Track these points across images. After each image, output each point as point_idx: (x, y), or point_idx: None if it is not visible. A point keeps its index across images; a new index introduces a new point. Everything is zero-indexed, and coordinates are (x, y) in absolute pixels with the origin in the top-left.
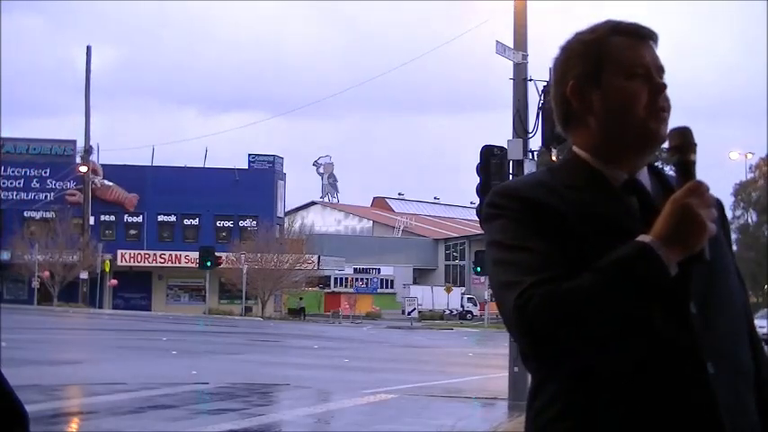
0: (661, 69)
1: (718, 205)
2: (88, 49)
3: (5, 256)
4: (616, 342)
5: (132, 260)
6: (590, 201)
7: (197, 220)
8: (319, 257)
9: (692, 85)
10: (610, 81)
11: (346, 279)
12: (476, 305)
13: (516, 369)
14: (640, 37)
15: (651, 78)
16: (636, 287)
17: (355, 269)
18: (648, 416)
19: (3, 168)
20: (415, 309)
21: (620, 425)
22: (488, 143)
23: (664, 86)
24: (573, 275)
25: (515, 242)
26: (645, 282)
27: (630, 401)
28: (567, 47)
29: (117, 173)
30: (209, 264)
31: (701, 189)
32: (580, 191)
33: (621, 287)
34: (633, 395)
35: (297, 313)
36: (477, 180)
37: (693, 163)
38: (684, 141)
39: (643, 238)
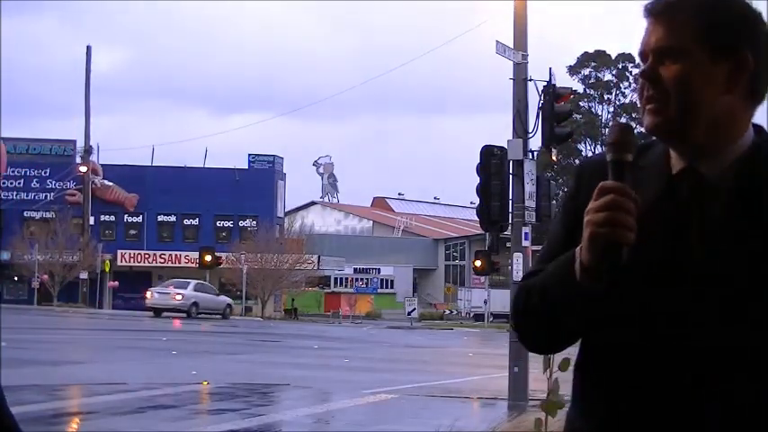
0: (662, 50)
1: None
2: (88, 49)
3: (5, 256)
4: (580, 335)
5: (132, 260)
6: (643, 184)
7: (197, 220)
8: (319, 257)
9: None
10: None
11: (346, 279)
12: None
13: (516, 369)
14: (649, 15)
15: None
16: (558, 289)
17: (355, 269)
18: (622, 414)
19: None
20: (414, 308)
21: (599, 418)
22: (488, 143)
23: (642, 73)
24: None
25: (551, 227)
26: (562, 285)
27: (605, 399)
28: None
29: (117, 173)
30: (209, 258)
31: (604, 190)
32: (643, 171)
33: (552, 287)
34: (607, 393)
35: (290, 313)
36: (477, 180)
37: (626, 163)
38: (621, 139)
39: None
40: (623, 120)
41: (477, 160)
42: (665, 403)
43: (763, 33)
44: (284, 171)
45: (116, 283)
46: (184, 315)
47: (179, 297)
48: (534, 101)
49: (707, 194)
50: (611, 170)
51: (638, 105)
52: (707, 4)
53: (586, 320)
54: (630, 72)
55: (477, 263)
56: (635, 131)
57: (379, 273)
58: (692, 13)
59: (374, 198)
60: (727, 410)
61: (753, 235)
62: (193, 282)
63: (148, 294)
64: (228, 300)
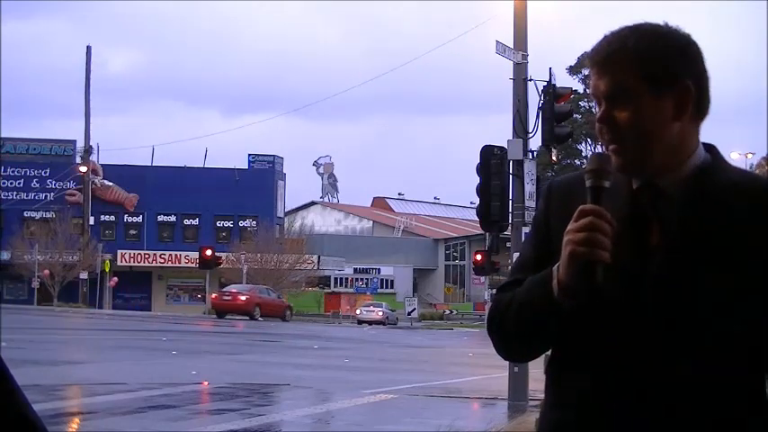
0: (612, 96)
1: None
2: (88, 49)
3: (5, 256)
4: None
5: (132, 260)
6: (610, 202)
7: (197, 220)
8: (319, 257)
9: None
10: None
11: (346, 279)
12: None
13: (516, 369)
14: (594, 65)
15: None
16: (535, 307)
17: (355, 269)
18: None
19: (3, 168)
20: (414, 309)
21: (569, 408)
22: (488, 143)
23: (599, 119)
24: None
25: (524, 241)
26: (538, 303)
27: (573, 391)
28: None
29: (117, 173)
30: (209, 252)
31: (583, 213)
32: (609, 190)
33: (528, 304)
34: (575, 386)
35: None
36: (477, 180)
37: (603, 189)
38: (598, 167)
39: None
40: None
41: (477, 160)
42: (630, 390)
43: (700, 58)
44: (284, 171)
45: (116, 279)
46: (382, 325)
47: (380, 313)
48: (534, 101)
49: (664, 204)
50: (590, 195)
51: (601, 142)
52: (643, 46)
53: (559, 333)
54: None
55: (478, 256)
56: (612, 160)
57: (379, 273)
58: (633, 58)
59: (374, 198)
60: (694, 395)
61: (705, 239)
62: (384, 303)
63: (357, 311)
64: (395, 314)
